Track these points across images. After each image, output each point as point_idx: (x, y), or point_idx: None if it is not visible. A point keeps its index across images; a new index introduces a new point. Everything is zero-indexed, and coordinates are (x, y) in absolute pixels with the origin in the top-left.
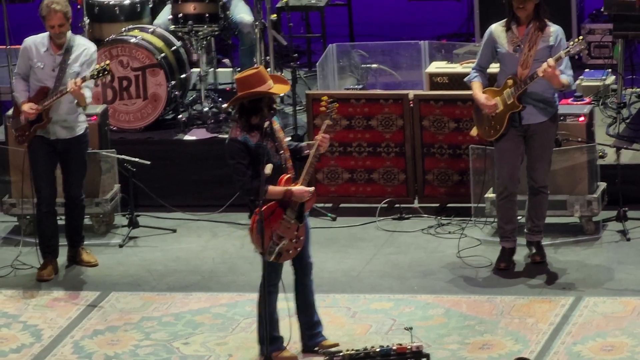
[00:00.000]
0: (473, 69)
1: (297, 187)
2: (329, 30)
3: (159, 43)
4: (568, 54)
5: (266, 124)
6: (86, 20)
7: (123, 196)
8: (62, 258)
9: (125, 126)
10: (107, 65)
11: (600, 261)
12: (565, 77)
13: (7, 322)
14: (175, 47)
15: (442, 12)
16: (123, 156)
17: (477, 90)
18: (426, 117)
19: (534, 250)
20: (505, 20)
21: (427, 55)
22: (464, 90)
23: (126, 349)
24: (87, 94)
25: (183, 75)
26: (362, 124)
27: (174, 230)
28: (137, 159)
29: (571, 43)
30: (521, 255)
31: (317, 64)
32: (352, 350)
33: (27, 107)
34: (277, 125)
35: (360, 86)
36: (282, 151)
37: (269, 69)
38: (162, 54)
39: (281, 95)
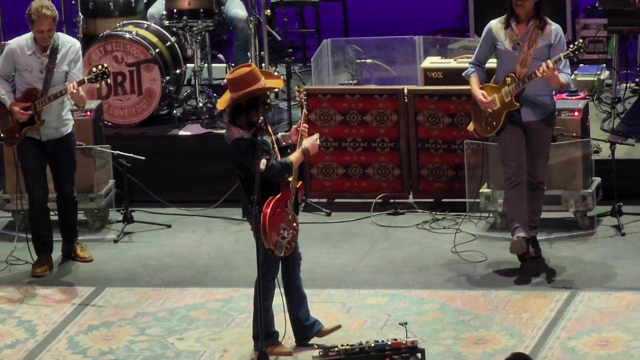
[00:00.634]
0: (470, 63)
1: (308, 142)
2: (324, 26)
3: (154, 38)
4: (567, 57)
5: (260, 119)
6: (80, 15)
7: (118, 192)
8: (56, 253)
9: (120, 122)
10: (106, 68)
11: (595, 256)
12: (564, 77)
13: (2, 317)
14: (169, 42)
15: (436, 7)
16: (117, 152)
17: (475, 86)
18: (421, 112)
19: (529, 246)
20: (504, 16)
21: (422, 51)
22: (459, 85)
23: (121, 344)
24: (82, 92)
25: (178, 71)
26: (356, 119)
27: (169, 226)
28: (131, 155)
29: (572, 46)
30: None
31: (311, 59)
32: (347, 345)
33: (18, 109)
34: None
35: (355, 81)
36: (274, 146)
37: (263, 65)
38: (157, 50)
39: (276, 90)
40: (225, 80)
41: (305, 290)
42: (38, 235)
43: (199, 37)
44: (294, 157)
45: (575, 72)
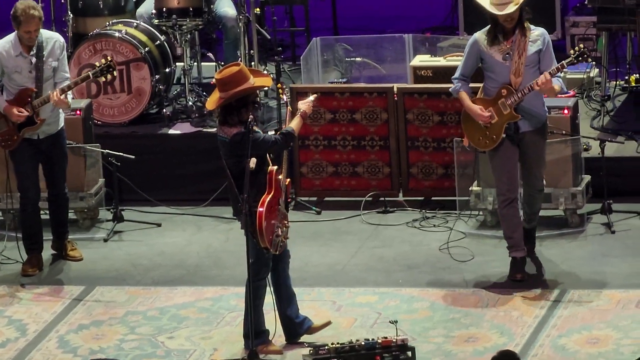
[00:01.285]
0: (455, 78)
1: (304, 104)
2: (313, 24)
3: (143, 37)
4: (571, 64)
5: (250, 117)
6: (70, 14)
7: (107, 190)
8: (46, 253)
9: (110, 120)
10: (111, 61)
11: (585, 254)
12: (557, 83)
13: None
14: (159, 41)
15: (426, 5)
16: (107, 150)
17: (468, 101)
18: (410, 110)
19: (523, 267)
20: (488, 27)
21: (411, 49)
22: (449, 83)
23: (111, 343)
24: (69, 97)
25: (167, 70)
26: (346, 117)
27: (159, 225)
28: (121, 154)
29: (572, 52)
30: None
31: (301, 57)
32: (338, 343)
33: (16, 112)
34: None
35: (345, 80)
36: None
37: (252, 63)
38: (146, 48)
39: (265, 88)
40: (214, 80)
41: (295, 288)
42: (29, 235)
43: (189, 36)
44: (294, 123)
45: (565, 70)
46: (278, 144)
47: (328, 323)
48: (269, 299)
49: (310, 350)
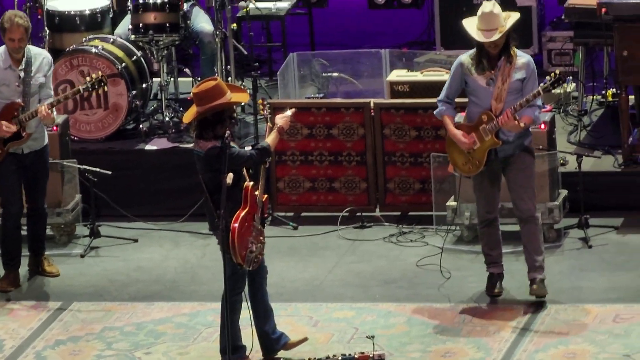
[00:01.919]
0: (440, 100)
1: (280, 119)
2: (290, 39)
3: (120, 53)
4: (547, 91)
5: (227, 133)
6: (46, 30)
7: (84, 206)
8: (23, 268)
9: (86, 136)
10: (102, 76)
11: (562, 268)
12: (530, 115)
13: None
14: (135, 57)
15: (402, 20)
16: (84, 166)
17: (451, 126)
18: (387, 125)
19: (535, 287)
20: (474, 50)
21: (388, 64)
22: (425, 98)
23: (88, 359)
24: (54, 112)
25: (144, 85)
26: (323, 132)
27: (136, 240)
28: (98, 169)
29: (549, 78)
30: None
31: (278, 73)
32: (315, 358)
33: (4, 126)
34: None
35: (321, 95)
36: None
37: (229, 79)
38: (123, 64)
39: (242, 104)
40: (191, 94)
41: (272, 304)
42: (7, 251)
43: (165, 52)
44: (270, 138)
45: (542, 84)
46: (253, 159)
47: (305, 339)
48: (246, 314)
49: None
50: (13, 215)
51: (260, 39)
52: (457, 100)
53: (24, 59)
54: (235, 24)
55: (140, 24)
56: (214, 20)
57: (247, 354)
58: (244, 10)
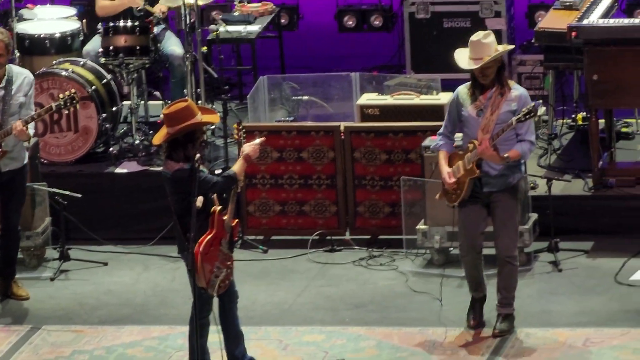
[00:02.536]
0: (440, 134)
1: (248, 147)
2: (260, 63)
3: (90, 76)
4: (520, 122)
5: (197, 156)
6: (17, 53)
7: (54, 229)
8: None
9: (56, 159)
10: (75, 93)
11: (532, 292)
12: (518, 150)
13: None
14: (106, 79)
15: (373, 44)
16: (54, 189)
17: (442, 162)
18: (357, 149)
19: (500, 322)
20: (470, 82)
21: (358, 87)
22: (395, 122)
23: None
24: (31, 130)
25: (114, 108)
26: (293, 156)
27: (106, 264)
28: (68, 192)
29: (524, 110)
30: (450, 285)
31: (248, 96)
32: None
33: None
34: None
35: (291, 118)
36: None
37: (199, 102)
38: (93, 87)
39: (212, 127)
40: (161, 116)
41: (242, 327)
42: None
43: (135, 74)
44: (236, 166)
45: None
46: (218, 186)
47: None
48: (216, 338)
49: None
50: None
51: (230, 62)
52: None
53: (5, 77)
54: (205, 47)
55: (111, 47)
56: (185, 43)
57: None
58: (215, 33)
